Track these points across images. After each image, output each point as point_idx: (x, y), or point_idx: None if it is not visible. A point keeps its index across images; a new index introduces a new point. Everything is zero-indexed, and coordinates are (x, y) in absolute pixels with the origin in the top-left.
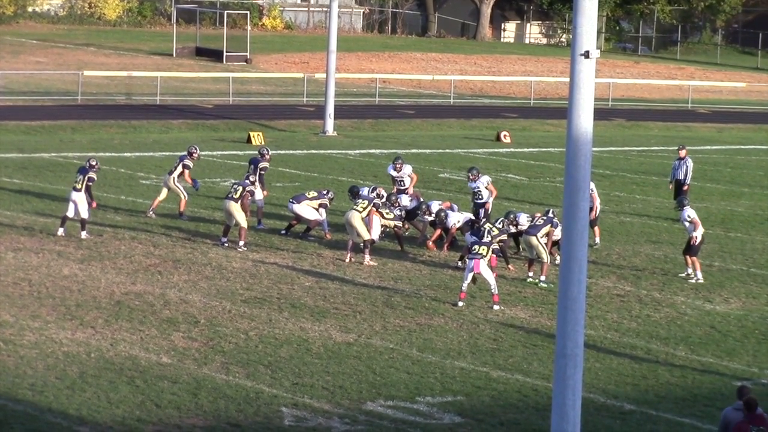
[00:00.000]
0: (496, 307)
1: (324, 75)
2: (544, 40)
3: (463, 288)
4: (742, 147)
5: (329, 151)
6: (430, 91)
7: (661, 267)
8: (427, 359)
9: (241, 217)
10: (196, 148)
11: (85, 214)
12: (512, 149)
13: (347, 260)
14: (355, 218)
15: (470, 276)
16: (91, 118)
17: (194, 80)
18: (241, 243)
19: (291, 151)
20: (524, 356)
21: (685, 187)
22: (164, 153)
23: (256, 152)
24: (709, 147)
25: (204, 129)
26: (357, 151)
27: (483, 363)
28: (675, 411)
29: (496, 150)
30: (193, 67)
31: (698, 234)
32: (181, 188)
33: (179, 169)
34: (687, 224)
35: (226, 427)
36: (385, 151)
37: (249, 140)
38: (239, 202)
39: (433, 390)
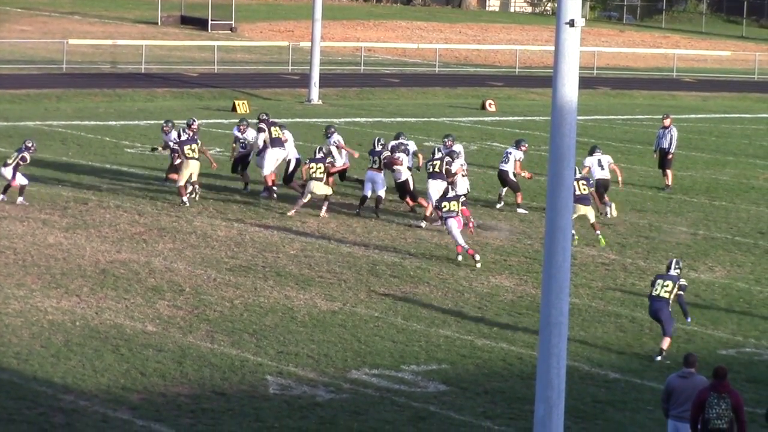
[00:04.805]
0: (460, 258)
1: (309, 43)
2: (530, 9)
3: (465, 246)
4: (727, 115)
5: (314, 120)
6: (415, 60)
7: (646, 235)
8: (412, 327)
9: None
10: (194, 120)
11: (22, 180)
12: (497, 118)
13: (292, 213)
14: (317, 186)
15: (459, 234)
16: (76, 87)
17: (179, 48)
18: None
19: (276, 120)
20: (509, 324)
21: (670, 156)
22: (149, 121)
23: (241, 120)
24: (693, 115)
25: (189, 97)
26: (342, 120)
27: (468, 331)
28: (660, 379)
29: (481, 118)
30: (178, 36)
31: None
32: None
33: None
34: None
35: (211, 395)
36: (371, 120)
37: (234, 108)
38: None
39: (418, 358)
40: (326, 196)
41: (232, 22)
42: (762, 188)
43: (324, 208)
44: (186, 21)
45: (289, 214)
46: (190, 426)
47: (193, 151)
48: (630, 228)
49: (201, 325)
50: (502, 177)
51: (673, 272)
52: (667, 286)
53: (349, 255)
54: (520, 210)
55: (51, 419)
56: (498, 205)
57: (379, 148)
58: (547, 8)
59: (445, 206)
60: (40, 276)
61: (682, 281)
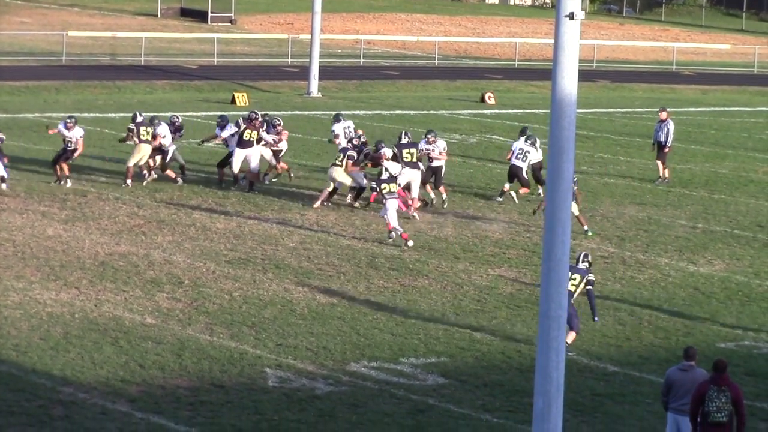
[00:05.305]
0: (410, 243)
1: (309, 36)
2: (529, 2)
3: (399, 230)
4: (726, 109)
5: (313, 112)
6: (414, 53)
7: (645, 228)
8: (410, 320)
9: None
10: (178, 117)
11: (1, 171)
12: (497, 110)
13: (317, 205)
14: (338, 173)
15: (394, 215)
16: (75, 79)
17: (179, 41)
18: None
19: (275, 112)
20: (508, 317)
21: (667, 150)
22: (149, 114)
23: (247, 114)
24: (693, 109)
25: (188, 90)
26: (341, 112)
27: (467, 324)
28: (659, 372)
29: (480, 111)
30: (177, 28)
31: None
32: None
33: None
34: None
35: (210, 387)
36: (370, 113)
37: (233, 101)
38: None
39: (416, 351)
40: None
41: (232, 14)
42: (761, 181)
43: (349, 196)
44: (185, 13)
45: (315, 206)
46: (189, 418)
47: (148, 134)
48: (629, 221)
49: (200, 317)
50: (515, 172)
51: (581, 265)
52: (574, 279)
53: (348, 248)
54: (514, 195)
55: (50, 411)
56: (498, 199)
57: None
58: (547, 1)
59: (384, 188)
60: (39, 268)
61: (591, 276)
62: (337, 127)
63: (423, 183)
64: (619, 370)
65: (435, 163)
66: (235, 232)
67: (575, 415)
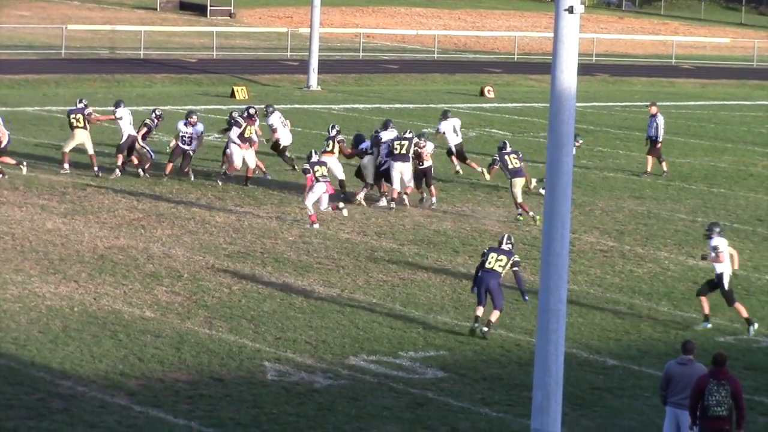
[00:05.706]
0: (316, 226)
1: (308, 29)
2: None
3: (311, 211)
4: (726, 103)
5: (313, 106)
6: (413, 46)
7: (644, 222)
8: (410, 314)
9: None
10: (161, 111)
11: None
12: (496, 104)
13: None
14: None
15: (312, 198)
16: (74, 72)
17: (178, 34)
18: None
19: (275, 106)
20: (507, 311)
21: (659, 144)
22: (148, 107)
23: (244, 108)
24: (692, 102)
25: (187, 83)
26: (341, 106)
27: (466, 318)
28: (658, 366)
29: (479, 105)
30: (176, 21)
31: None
32: (148, 149)
33: (142, 129)
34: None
35: (209, 381)
36: (369, 106)
37: (233, 94)
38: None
39: (415, 345)
40: (367, 183)
41: (231, 7)
42: (760, 175)
43: (360, 194)
44: (185, 7)
45: (391, 206)
46: (188, 412)
47: (77, 120)
48: (628, 215)
49: (199, 311)
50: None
51: (504, 247)
52: (501, 260)
53: (348, 241)
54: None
55: (49, 404)
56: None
57: (333, 133)
58: None
59: (317, 170)
60: (39, 261)
61: (516, 257)
62: (274, 119)
63: (416, 186)
64: (618, 364)
65: (425, 164)
66: (234, 225)
67: (574, 409)
